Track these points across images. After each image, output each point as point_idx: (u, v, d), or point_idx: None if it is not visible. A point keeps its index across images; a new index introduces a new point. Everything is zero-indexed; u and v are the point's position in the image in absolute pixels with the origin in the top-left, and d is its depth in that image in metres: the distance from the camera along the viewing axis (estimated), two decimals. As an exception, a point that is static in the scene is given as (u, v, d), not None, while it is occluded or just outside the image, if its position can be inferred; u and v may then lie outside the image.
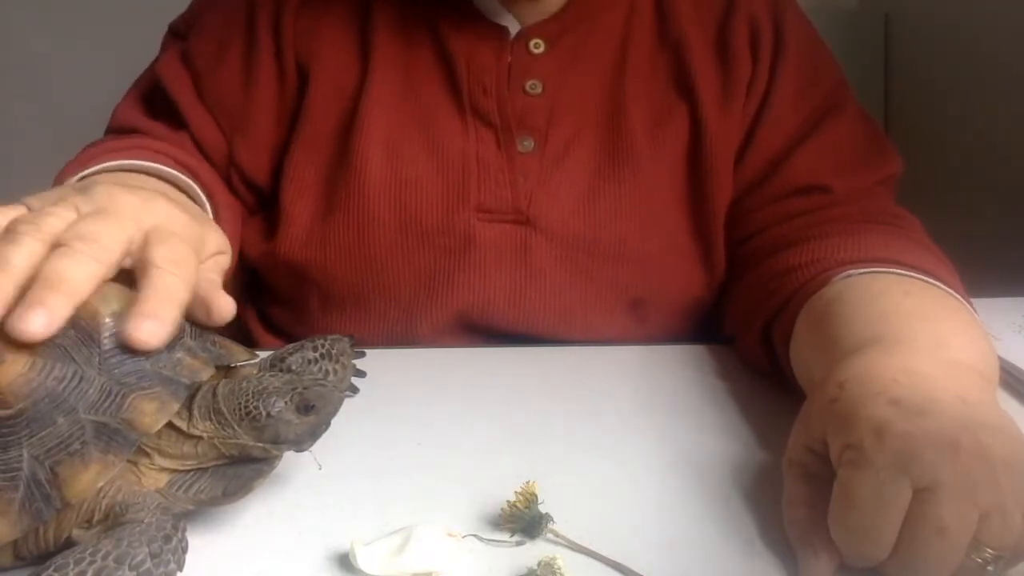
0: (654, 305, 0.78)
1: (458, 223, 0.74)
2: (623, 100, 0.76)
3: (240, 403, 0.47)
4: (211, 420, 0.47)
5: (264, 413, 0.46)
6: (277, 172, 0.77)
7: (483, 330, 0.77)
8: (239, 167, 0.78)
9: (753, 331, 0.68)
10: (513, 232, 0.75)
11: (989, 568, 0.41)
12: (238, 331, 0.83)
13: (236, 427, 0.47)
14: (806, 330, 0.62)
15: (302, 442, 0.48)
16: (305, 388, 0.47)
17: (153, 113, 0.79)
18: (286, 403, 0.47)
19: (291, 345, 0.58)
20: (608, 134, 0.76)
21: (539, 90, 0.75)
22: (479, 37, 0.76)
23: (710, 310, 0.80)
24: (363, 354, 0.66)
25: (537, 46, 0.76)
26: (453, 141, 0.75)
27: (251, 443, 0.47)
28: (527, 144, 0.75)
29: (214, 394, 0.48)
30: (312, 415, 0.47)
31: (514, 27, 0.76)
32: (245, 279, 0.82)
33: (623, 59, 0.77)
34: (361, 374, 0.65)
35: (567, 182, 0.75)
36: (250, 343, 0.80)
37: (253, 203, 0.80)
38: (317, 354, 0.57)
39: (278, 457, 0.48)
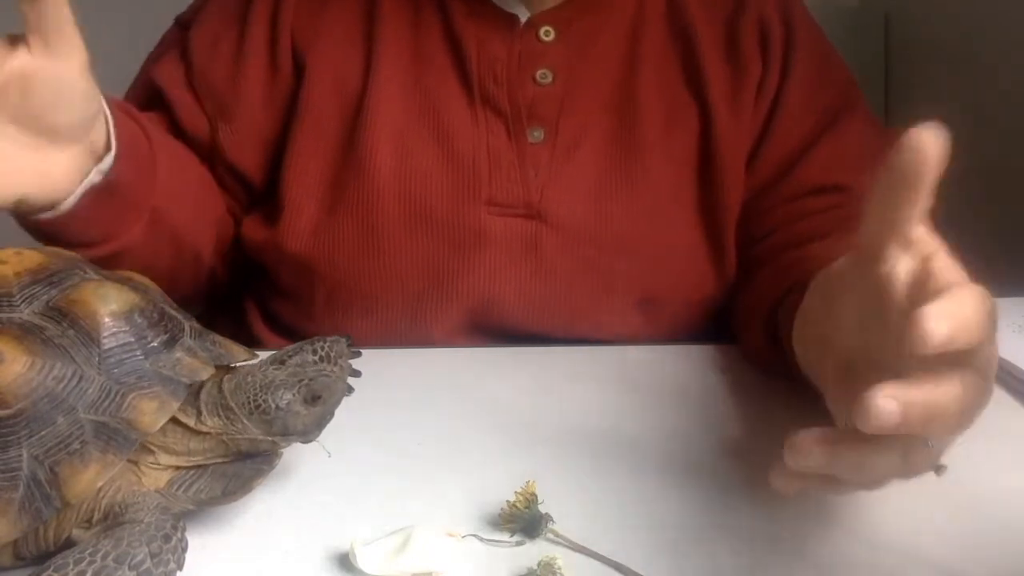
0: (665, 303, 0.77)
1: (468, 217, 0.73)
2: (635, 92, 0.76)
3: (248, 397, 0.47)
4: (219, 416, 0.48)
5: (274, 406, 0.47)
6: (274, 165, 0.77)
7: (492, 327, 0.76)
8: (222, 155, 0.77)
9: (758, 319, 0.67)
10: (523, 226, 0.74)
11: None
12: (240, 328, 0.83)
13: (246, 421, 0.47)
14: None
15: (309, 432, 0.48)
16: (311, 379, 0.48)
17: (141, 107, 0.78)
18: (294, 395, 0.47)
19: (290, 347, 0.58)
20: (620, 126, 0.76)
21: (549, 79, 0.75)
22: (489, 25, 0.76)
23: (721, 309, 0.79)
24: (359, 354, 0.66)
25: (547, 34, 0.76)
26: (463, 131, 0.74)
27: (261, 436, 0.47)
28: (537, 135, 0.75)
29: (220, 390, 0.48)
30: (319, 405, 0.48)
31: (523, 15, 0.76)
32: (248, 274, 0.82)
33: (634, 51, 0.77)
34: (356, 374, 0.65)
35: (578, 175, 0.75)
36: (252, 341, 0.80)
37: (244, 196, 0.80)
38: (317, 356, 0.57)
39: (278, 456, 0.49)
